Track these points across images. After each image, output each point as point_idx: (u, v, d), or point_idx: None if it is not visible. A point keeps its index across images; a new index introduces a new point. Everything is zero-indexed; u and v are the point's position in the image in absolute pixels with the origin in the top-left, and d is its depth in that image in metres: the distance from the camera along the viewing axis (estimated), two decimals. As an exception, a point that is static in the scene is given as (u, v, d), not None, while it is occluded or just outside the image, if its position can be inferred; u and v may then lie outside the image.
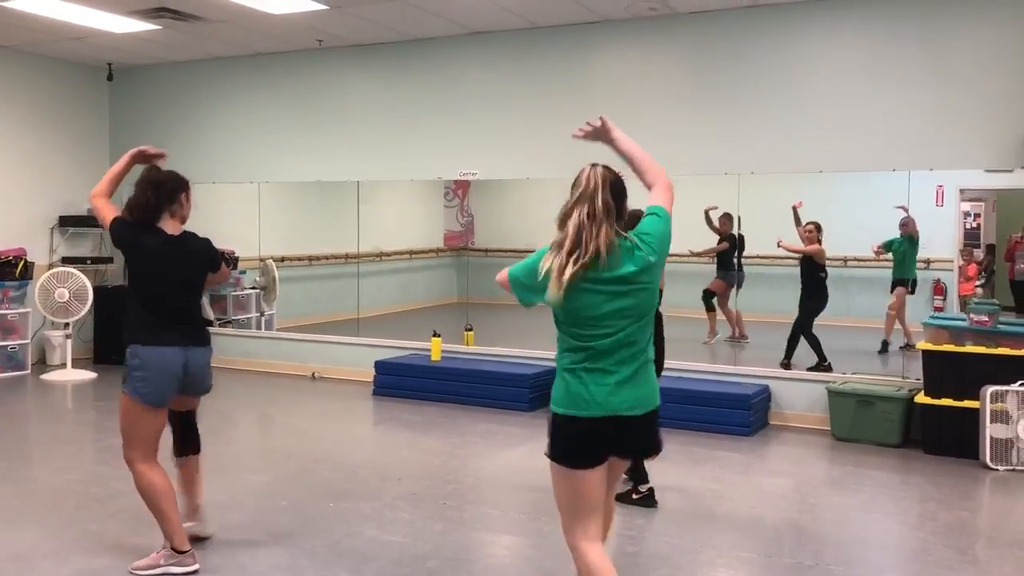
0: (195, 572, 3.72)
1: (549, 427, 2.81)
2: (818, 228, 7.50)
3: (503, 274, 2.86)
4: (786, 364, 7.29)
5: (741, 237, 7.91)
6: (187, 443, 4.08)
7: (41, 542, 4.17)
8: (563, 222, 2.71)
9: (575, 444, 2.76)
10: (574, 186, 2.75)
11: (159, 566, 3.73)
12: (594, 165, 2.76)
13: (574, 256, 2.64)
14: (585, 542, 2.80)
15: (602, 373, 2.71)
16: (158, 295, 3.73)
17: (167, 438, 3.98)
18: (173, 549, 3.73)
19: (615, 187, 2.72)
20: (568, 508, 2.81)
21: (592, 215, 2.66)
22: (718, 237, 8.30)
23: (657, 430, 2.88)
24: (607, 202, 2.67)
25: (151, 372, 3.67)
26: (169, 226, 3.77)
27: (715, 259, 8.44)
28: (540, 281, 2.71)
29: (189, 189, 3.83)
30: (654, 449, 2.92)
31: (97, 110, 9.90)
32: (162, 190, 3.72)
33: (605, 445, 2.77)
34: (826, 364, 7.17)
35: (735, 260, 8.09)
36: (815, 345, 7.31)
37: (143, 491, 3.75)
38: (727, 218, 8.08)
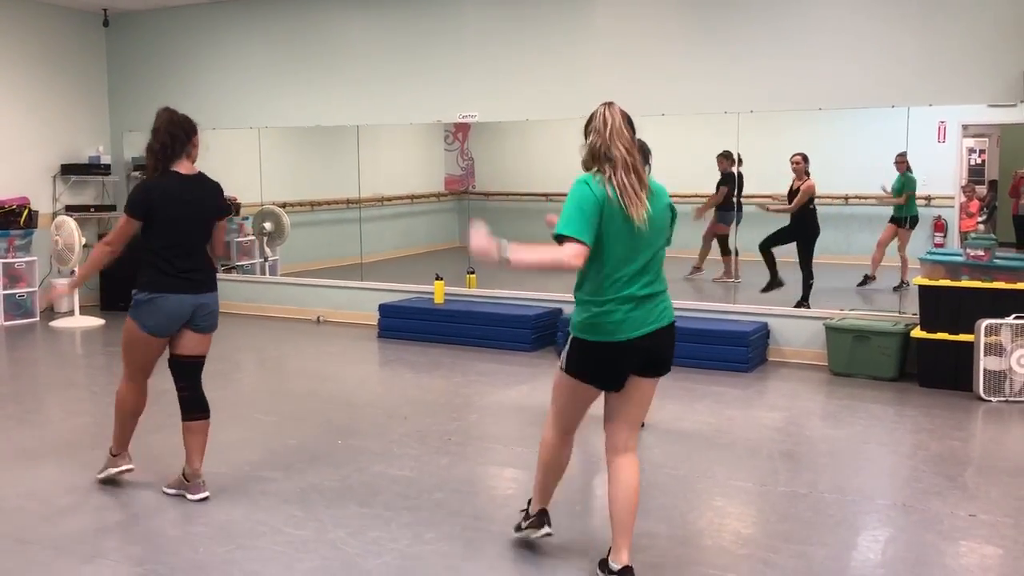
0: (129, 470, 4.12)
1: (569, 349, 3.05)
2: (805, 159, 7.50)
3: (571, 250, 2.78)
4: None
5: (740, 176, 7.89)
6: (192, 405, 3.98)
7: (59, 479, 4.30)
8: (604, 158, 2.87)
9: (597, 364, 3.00)
10: (595, 125, 2.91)
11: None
12: (608, 104, 2.95)
13: (640, 185, 2.87)
14: (553, 436, 3.26)
15: (633, 298, 2.92)
16: (174, 236, 3.84)
17: (169, 390, 4.09)
18: (110, 451, 4.13)
19: (631, 122, 2.97)
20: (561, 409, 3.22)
21: (631, 150, 2.89)
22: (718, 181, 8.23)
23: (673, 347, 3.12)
24: (632, 137, 2.92)
25: (160, 314, 3.83)
26: (184, 168, 3.91)
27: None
28: (603, 207, 2.84)
29: (197, 132, 4.00)
30: (666, 364, 3.11)
31: (94, 57, 9.85)
32: (180, 132, 3.88)
33: (628, 366, 2.99)
34: (807, 295, 7.33)
35: (734, 200, 8.08)
36: (807, 279, 7.44)
37: (116, 402, 4.06)
38: (726, 157, 8.02)
